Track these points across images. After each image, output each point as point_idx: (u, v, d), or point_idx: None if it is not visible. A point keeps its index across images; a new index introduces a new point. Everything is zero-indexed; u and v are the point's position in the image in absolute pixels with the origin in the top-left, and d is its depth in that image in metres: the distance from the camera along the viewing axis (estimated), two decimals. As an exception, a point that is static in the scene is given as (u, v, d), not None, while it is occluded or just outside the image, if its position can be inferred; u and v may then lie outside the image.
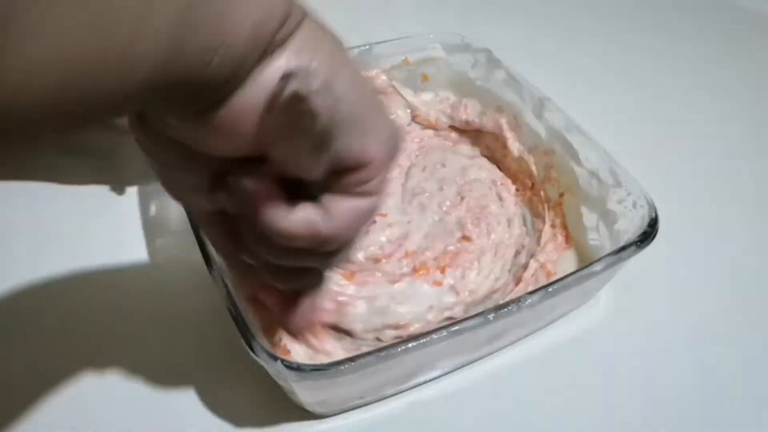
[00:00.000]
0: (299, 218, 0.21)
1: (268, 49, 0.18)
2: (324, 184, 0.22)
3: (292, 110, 0.18)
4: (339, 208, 0.22)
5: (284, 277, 0.26)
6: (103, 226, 0.42)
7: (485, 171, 0.45)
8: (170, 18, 0.15)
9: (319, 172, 0.21)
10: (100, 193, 0.45)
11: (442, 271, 0.38)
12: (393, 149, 0.23)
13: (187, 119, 0.19)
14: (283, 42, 0.19)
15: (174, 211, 0.44)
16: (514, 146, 0.45)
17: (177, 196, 0.24)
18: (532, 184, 0.44)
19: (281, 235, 0.22)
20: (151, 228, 0.43)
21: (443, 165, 0.45)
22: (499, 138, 0.46)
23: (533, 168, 0.44)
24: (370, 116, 0.21)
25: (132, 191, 0.45)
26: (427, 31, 0.50)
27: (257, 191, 0.21)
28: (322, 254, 0.23)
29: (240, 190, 0.21)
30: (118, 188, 0.45)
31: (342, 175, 0.22)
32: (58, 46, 0.13)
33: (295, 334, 0.32)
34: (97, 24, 0.14)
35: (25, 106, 0.13)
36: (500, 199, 0.43)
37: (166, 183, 0.24)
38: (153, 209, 0.44)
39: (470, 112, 0.48)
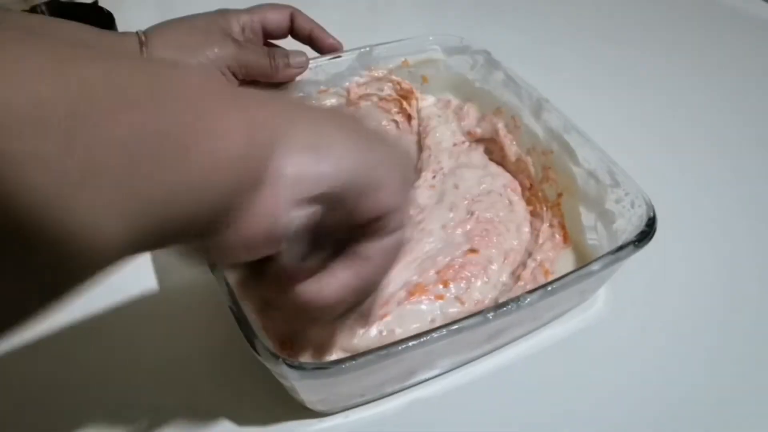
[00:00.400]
0: (333, 288, 0.24)
1: (255, 184, 0.20)
2: (350, 232, 0.24)
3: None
4: (371, 253, 0.24)
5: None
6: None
7: (497, 178, 0.45)
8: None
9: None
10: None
11: (445, 284, 0.37)
12: (406, 186, 0.25)
13: (208, 248, 0.21)
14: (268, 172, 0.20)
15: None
16: (511, 150, 0.45)
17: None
18: (531, 184, 0.44)
19: (322, 308, 0.24)
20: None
21: (456, 186, 0.44)
22: (497, 141, 0.46)
23: (531, 169, 0.44)
24: (377, 173, 0.23)
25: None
26: (427, 33, 0.50)
27: (289, 278, 0.24)
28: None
29: (276, 279, 0.24)
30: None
31: (365, 226, 0.23)
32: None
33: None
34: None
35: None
36: (510, 203, 0.43)
37: None
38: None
39: (471, 119, 0.48)
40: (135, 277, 0.40)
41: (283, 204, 0.20)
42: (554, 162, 0.43)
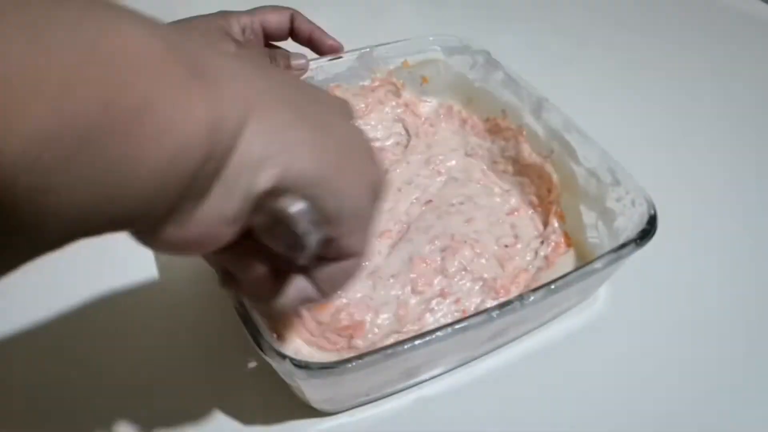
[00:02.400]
0: (293, 294, 0.23)
1: (218, 166, 0.17)
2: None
3: (277, 223, 0.19)
4: (327, 274, 0.23)
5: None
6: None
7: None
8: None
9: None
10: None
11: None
12: (373, 205, 0.22)
13: (151, 238, 0.18)
14: (231, 150, 0.17)
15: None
16: (526, 152, 0.44)
17: None
18: (548, 189, 0.44)
19: (280, 308, 0.23)
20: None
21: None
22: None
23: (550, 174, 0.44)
24: (343, 185, 0.20)
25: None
26: (427, 33, 0.50)
27: (253, 284, 0.22)
28: None
29: (240, 282, 0.23)
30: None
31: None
32: None
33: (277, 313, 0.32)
34: None
35: None
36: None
37: None
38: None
39: (479, 130, 0.49)
40: (135, 275, 0.40)
41: (237, 204, 0.18)
42: (555, 161, 0.43)
